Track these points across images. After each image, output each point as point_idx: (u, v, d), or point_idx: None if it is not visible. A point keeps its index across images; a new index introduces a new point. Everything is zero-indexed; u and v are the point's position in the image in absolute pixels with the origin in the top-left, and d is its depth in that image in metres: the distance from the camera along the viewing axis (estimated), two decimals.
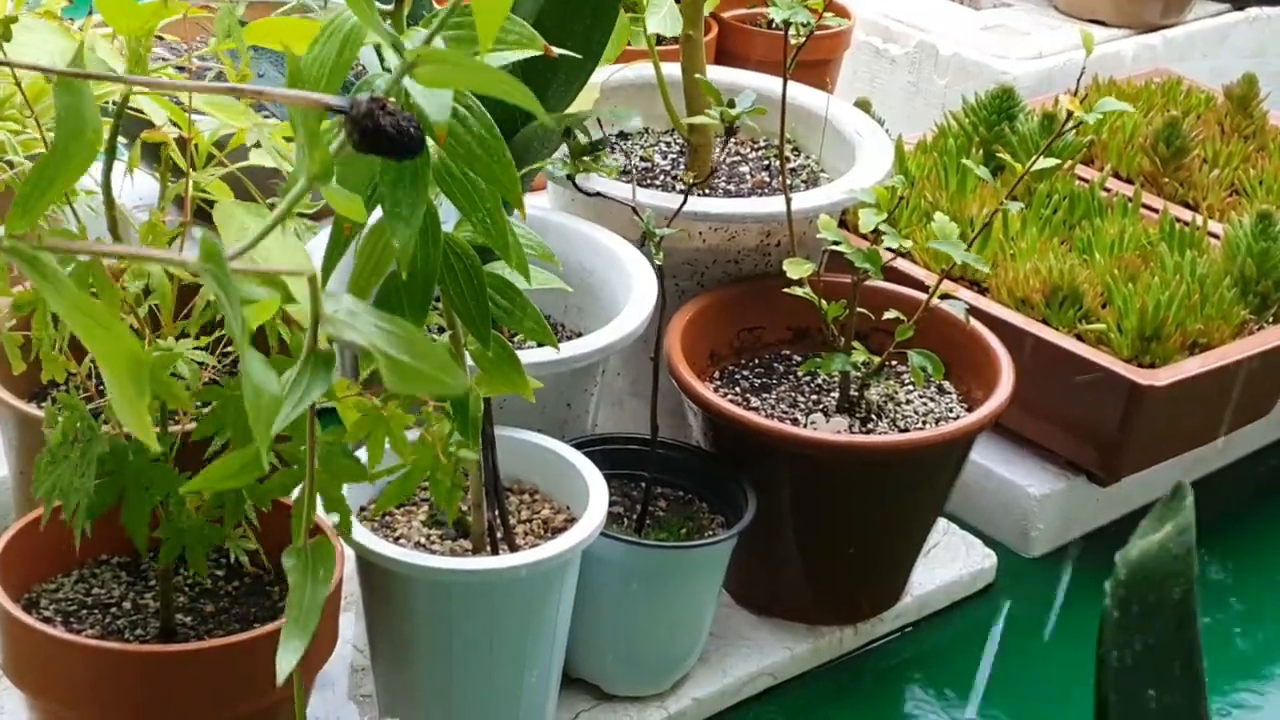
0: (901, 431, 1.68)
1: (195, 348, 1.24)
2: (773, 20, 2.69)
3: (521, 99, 0.85)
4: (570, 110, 1.46)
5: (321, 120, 0.86)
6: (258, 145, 1.28)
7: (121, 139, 1.31)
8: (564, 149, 1.59)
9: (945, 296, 1.70)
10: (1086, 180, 2.20)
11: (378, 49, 1.01)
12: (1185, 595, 0.85)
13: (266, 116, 1.32)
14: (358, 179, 1.01)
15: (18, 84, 1.23)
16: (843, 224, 1.77)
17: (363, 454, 1.24)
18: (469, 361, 1.25)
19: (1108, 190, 2.19)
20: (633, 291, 1.66)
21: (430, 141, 1.00)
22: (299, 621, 0.97)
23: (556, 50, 1.05)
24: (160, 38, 1.29)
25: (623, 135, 1.98)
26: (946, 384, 1.77)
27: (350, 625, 1.62)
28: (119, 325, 0.82)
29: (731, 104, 1.62)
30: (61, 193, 0.85)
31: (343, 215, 0.95)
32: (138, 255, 0.89)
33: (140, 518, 1.27)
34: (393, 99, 0.85)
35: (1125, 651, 0.84)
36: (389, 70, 0.93)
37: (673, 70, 1.87)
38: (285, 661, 0.95)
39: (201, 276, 0.82)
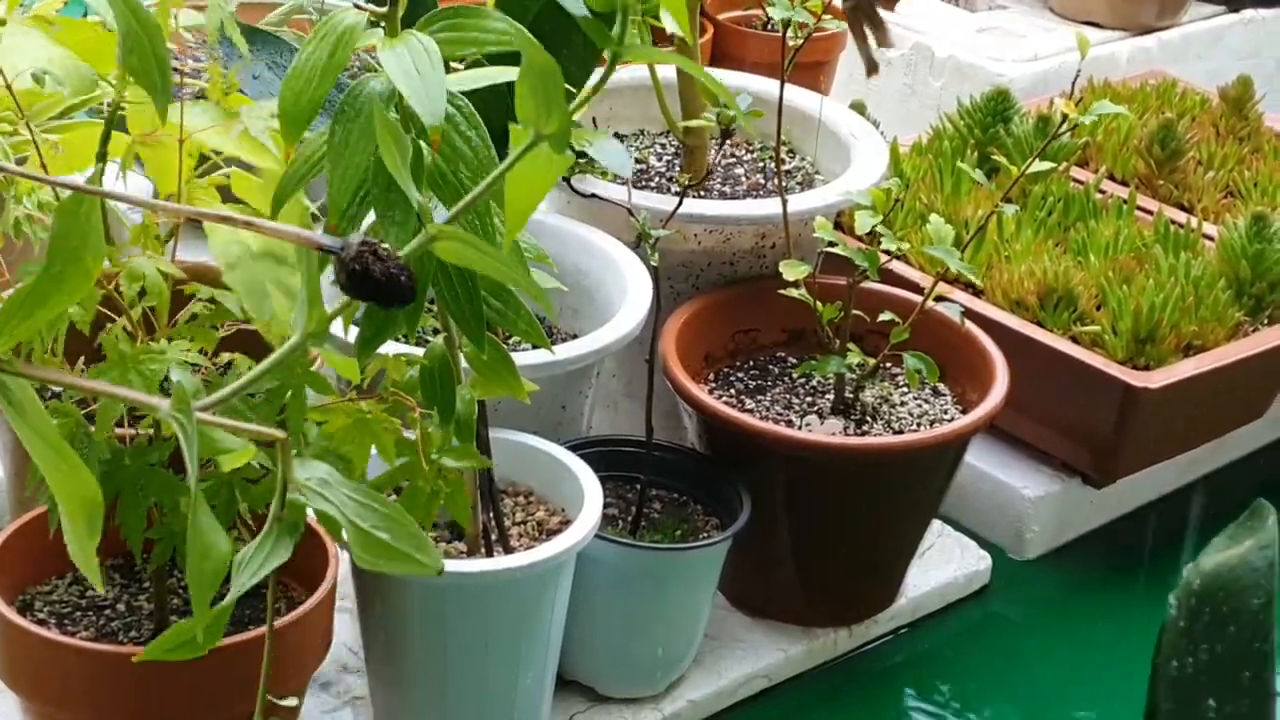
0: (896, 434, 1.69)
1: (187, 350, 1.24)
2: (768, 22, 2.69)
3: (531, 290, 0.84)
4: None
5: (322, 269, 0.83)
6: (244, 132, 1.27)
7: None
8: None
9: (940, 299, 1.70)
10: (1081, 182, 2.20)
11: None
12: (1263, 606, 0.87)
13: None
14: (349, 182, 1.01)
15: (8, 87, 1.23)
16: (838, 226, 1.77)
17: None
18: (463, 364, 1.25)
19: (1103, 192, 2.19)
20: (628, 293, 1.66)
21: (423, 144, 1.00)
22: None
23: (555, 61, 1.04)
24: None
25: (618, 137, 1.98)
26: (941, 386, 1.77)
27: (345, 627, 1.62)
28: (78, 464, 0.79)
29: (727, 106, 1.62)
30: (48, 319, 0.80)
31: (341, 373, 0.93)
32: (110, 393, 0.86)
33: (136, 521, 1.26)
34: (385, 245, 0.81)
35: (1187, 660, 0.85)
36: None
37: (668, 72, 1.87)
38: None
39: (170, 423, 0.79)
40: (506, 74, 1.06)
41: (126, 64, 0.97)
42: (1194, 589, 0.85)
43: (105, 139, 1.23)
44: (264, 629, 1.31)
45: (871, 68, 1.46)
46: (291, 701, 1.21)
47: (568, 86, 1.25)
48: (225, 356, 1.35)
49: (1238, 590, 0.85)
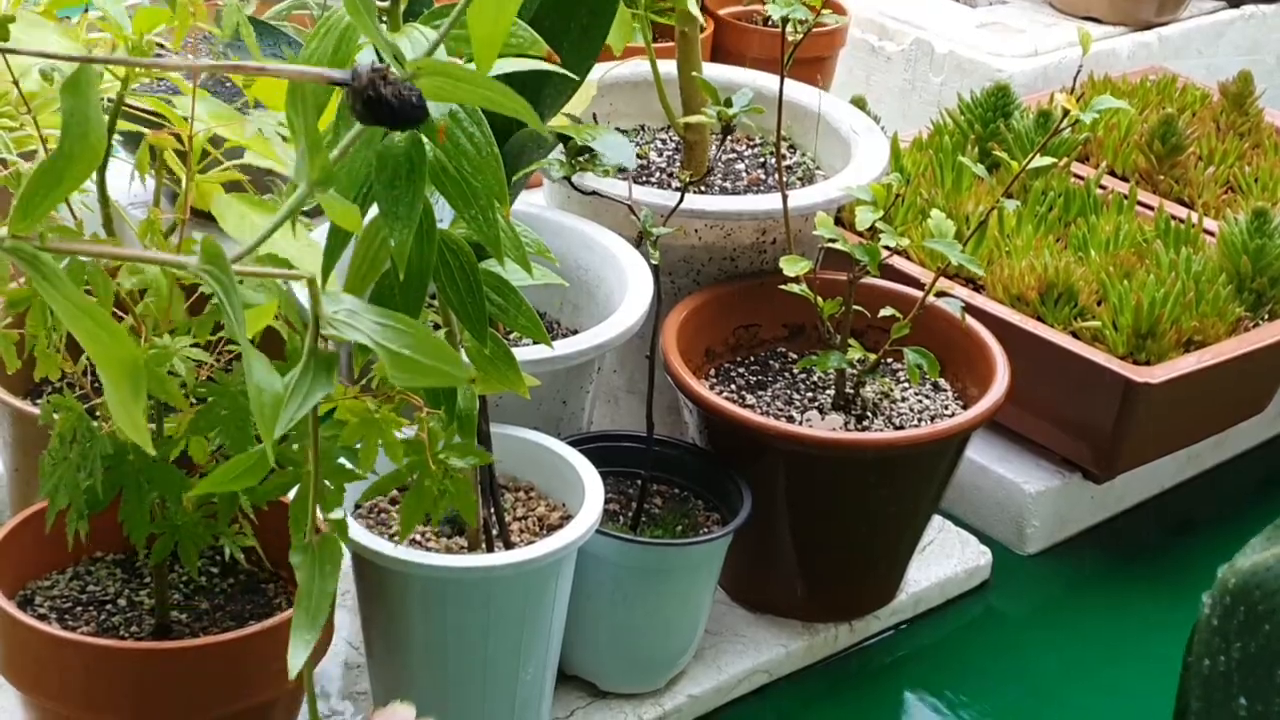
0: (897, 429, 1.69)
1: (192, 345, 1.24)
2: (769, 18, 2.69)
3: (519, 112, 0.85)
4: (567, 108, 1.46)
5: (322, 111, 0.86)
6: (258, 132, 1.28)
7: (117, 136, 1.31)
8: (560, 147, 1.58)
9: (941, 294, 1.70)
10: (1082, 178, 2.20)
11: (378, 51, 1.01)
12: None
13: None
14: (353, 179, 1.01)
15: (15, 83, 1.23)
16: (839, 221, 1.77)
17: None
18: (465, 359, 1.25)
19: (1103, 188, 2.19)
20: (628, 289, 1.66)
21: (426, 140, 1.00)
22: (309, 614, 0.97)
23: (555, 53, 1.05)
24: (161, 45, 1.29)
25: (619, 132, 1.98)
26: (942, 381, 1.77)
27: (345, 622, 1.62)
28: (117, 328, 0.82)
29: (728, 102, 1.62)
30: (65, 195, 0.85)
31: (338, 223, 0.95)
32: (139, 256, 0.89)
33: (139, 516, 1.26)
34: (393, 70, 0.85)
35: (1219, 658, 0.85)
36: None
37: (669, 67, 1.87)
38: (297, 657, 0.95)
39: (202, 278, 0.82)
40: (505, 67, 1.06)
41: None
42: (1229, 588, 0.85)
43: (110, 131, 1.23)
44: (264, 625, 1.32)
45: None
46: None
47: (570, 75, 1.25)
48: (234, 350, 1.35)
49: (1274, 589, 0.85)
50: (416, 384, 0.91)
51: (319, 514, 1.15)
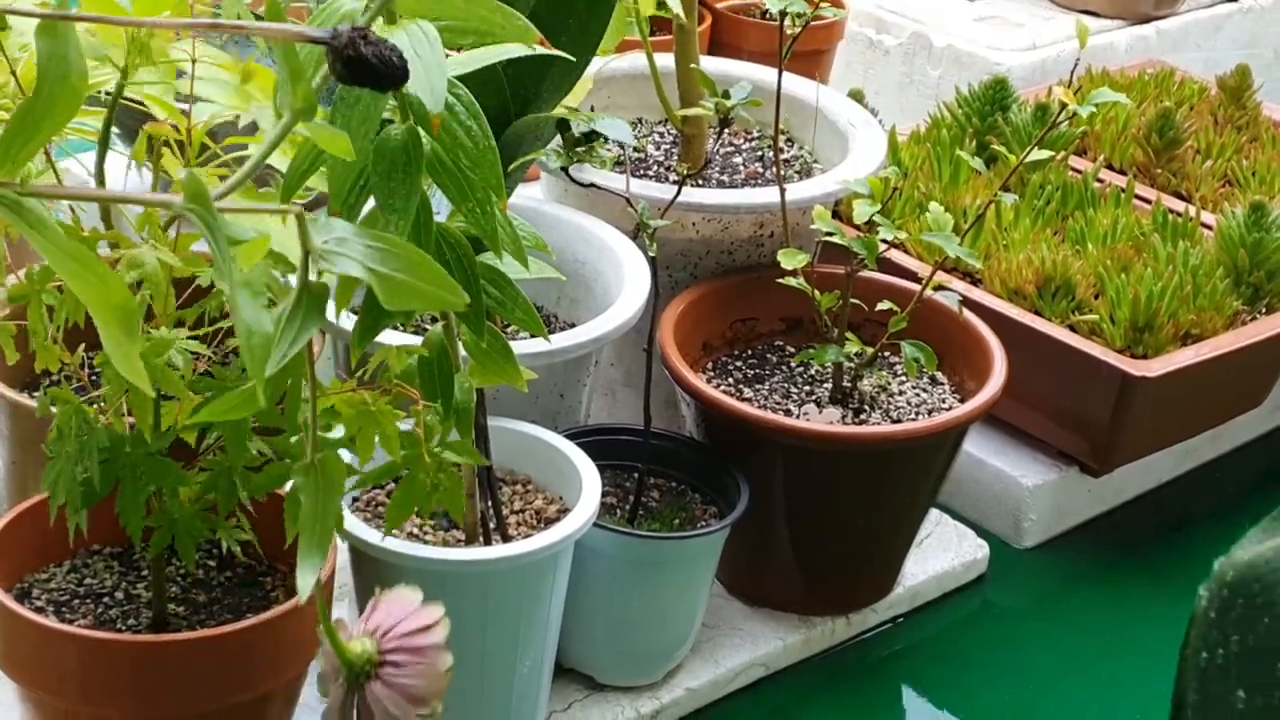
0: (894, 422, 1.69)
1: (190, 337, 1.24)
2: (767, 11, 2.69)
3: (510, 30, 0.83)
4: (564, 102, 1.46)
5: (302, 53, 0.85)
6: (254, 127, 1.27)
7: (116, 129, 1.31)
8: (558, 139, 1.58)
9: (938, 288, 1.70)
10: (1079, 171, 2.20)
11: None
12: None
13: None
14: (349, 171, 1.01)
15: (13, 72, 1.23)
16: (836, 215, 1.77)
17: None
18: (462, 352, 1.25)
19: (1101, 181, 2.19)
20: (626, 282, 1.66)
21: (423, 132, 1.00)
22: (315, 537, 0.94)
23: (552, 46, 1.04)
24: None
25: None
26: (939, 375, 1.77)
27: (343, 616, 1.62)
28: (107, 270, 0.80)
29: (726, 95, 1.62)
30: (46, 140, 0.83)
31: (327, 149, 0.93)
32: (122, 198, 0.87)
33: (135, 508, 1.26)
34: (374, 29, 0.84)
35: (1217, 651, 0.85)
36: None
37: (666, 60, 1.87)
38: (305, 580, 0.92)
39: (188, 216, 0.80)
40: (500, 54, 1.06)
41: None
42: (1227, 580, 0.85)
43: (107, 127, 1.23)
44: (261, 617, 1.32)
45: None
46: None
47: (570, 65, 1.25)
48: (232, 344, 1.35)
49: (1272, 583, 0.85)
50: (409, 307, 0.87)
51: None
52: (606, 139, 1.81)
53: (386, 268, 0.85)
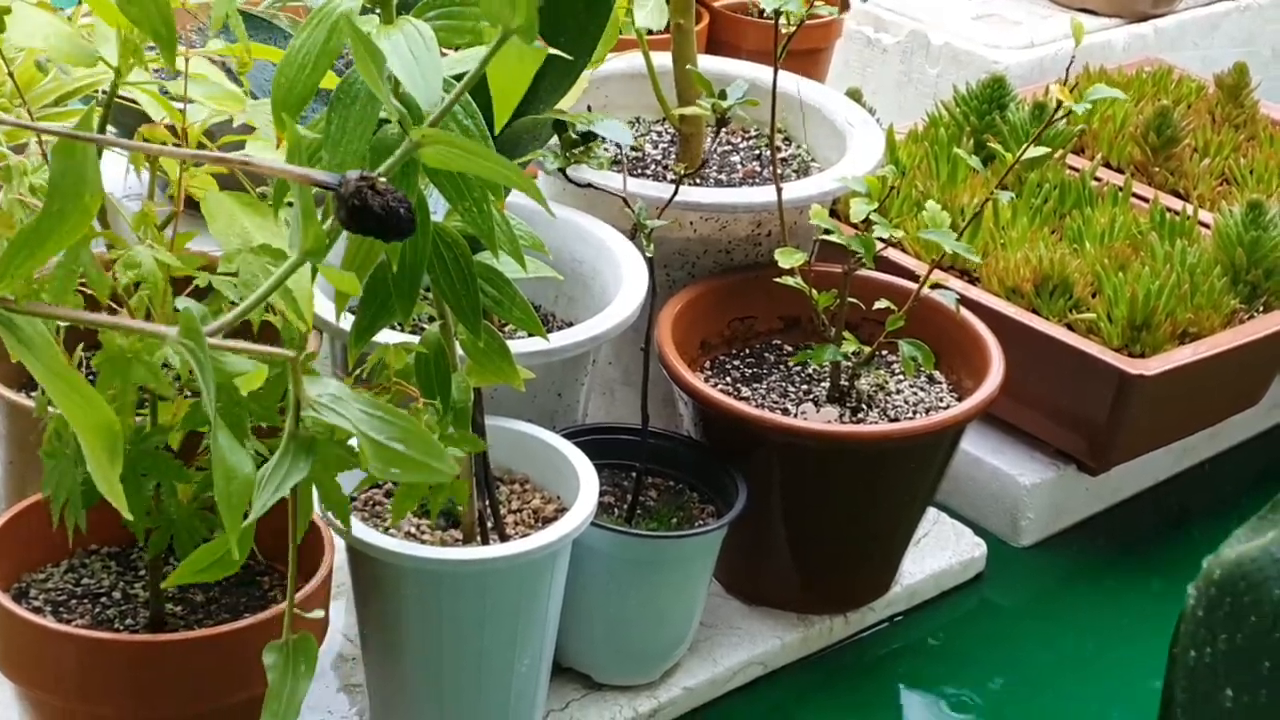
0: (892, 421, 1.69)
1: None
2: (764, 9, 2.69)
3: (519, 184, 0.84)
4: (561, 103, 1.46)
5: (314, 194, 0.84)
6: (250, 129, 1.27)
7: (114, 129, 1.31)
8: (555, 140, 1.58)
9: (936, 286, 1.70)
10: (1077, 169, 2.20)
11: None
12: None
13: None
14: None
15: (10, 75, 1.23)
16: (833, 214, 1.77)
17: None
18: (460, 351, 1.25)
19: (1098, 179, 2.19)
20: (623, 281, 1.66)
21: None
22: (280, 715, 0.96)
23: (551, 47, 1.04)
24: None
25: None
26: (937, 373, 1.77)
27: (340, 615, 1.62)
28: (92, 393, 0.80)
29: (723, 94, 1.62)
30: (50, 256, 0.82)
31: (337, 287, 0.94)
32: (116, 324, 0.87)
33: (138, 505, 1.26)
34: (383, 178, 0.83)
35: (1205, 650, 0.85)
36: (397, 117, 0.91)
37: (663, 59, 1.87)
38: None
39: (178, 351, 0.80)
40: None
41: (126, 13, 0.96)
42: (1214, 579, 0.85)
43: (103, 125, 1.23)
44: (258, 617, 1.32)
45: None
46: (318, 613, 1.22)
47: (568, 65, 1.25)
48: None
49: (1259, 581, 0.85)
50: (399, 479, 0.88)
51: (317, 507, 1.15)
52: (604, 139, 1.82)
53: (380, 435, 0.86)
